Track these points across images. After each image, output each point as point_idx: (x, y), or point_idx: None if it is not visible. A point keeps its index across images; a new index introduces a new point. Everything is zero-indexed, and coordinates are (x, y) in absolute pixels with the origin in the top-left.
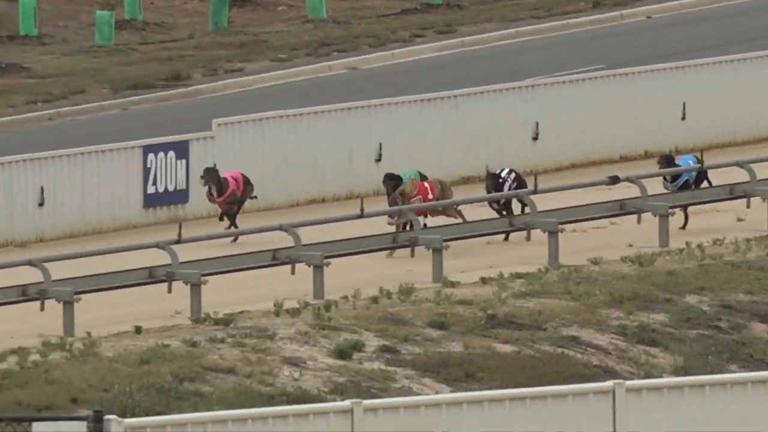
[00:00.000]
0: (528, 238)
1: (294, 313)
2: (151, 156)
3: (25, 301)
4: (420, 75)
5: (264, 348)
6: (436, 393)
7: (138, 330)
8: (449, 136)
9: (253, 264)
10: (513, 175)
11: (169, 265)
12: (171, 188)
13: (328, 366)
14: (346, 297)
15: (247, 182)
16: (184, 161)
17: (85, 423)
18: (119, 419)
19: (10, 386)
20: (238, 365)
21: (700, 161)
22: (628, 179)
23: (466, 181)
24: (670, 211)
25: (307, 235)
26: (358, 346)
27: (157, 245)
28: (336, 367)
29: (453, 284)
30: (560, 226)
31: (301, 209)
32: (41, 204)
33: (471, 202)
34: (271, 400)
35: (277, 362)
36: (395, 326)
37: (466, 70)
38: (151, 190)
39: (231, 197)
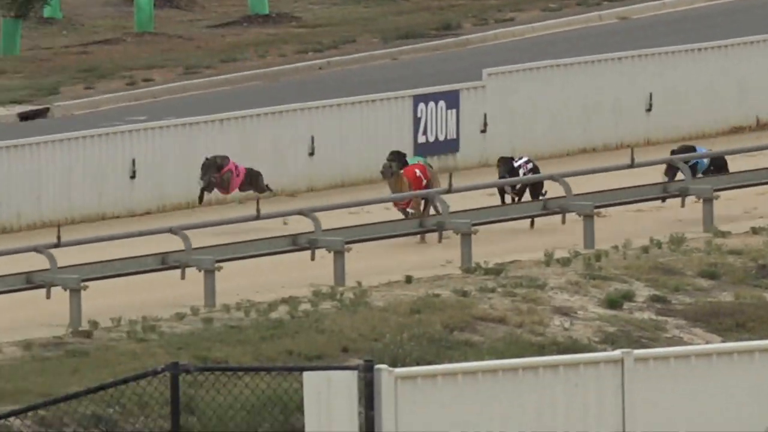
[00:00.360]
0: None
1: (564, 262)
2: (421, 106)
3: (296, 250)
4: (690, 24)
5: (534, 297)
6: (707, 343)
7: (408, 280)
8: (719, 85)
9: (522, 214)
10: (531, 165)
11: (438, 214)
12: (441, 138)
13: (598, 316)
14: (616, 247)
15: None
16: (454, 111)
17: (355, 372)
18: (389, 369)
19: (281, 336)
20: (509, 315)
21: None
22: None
23: (736, 131)
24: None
25: (577, 185)
26: (628, 296)
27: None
28: (606, 316)
29: (723, 234)
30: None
31: (572, 159)
32: (311, 154)
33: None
34: (541, 350)
35: (547, 312)
36: (665, 276)
37: (738, 18)
38: (421, 139)
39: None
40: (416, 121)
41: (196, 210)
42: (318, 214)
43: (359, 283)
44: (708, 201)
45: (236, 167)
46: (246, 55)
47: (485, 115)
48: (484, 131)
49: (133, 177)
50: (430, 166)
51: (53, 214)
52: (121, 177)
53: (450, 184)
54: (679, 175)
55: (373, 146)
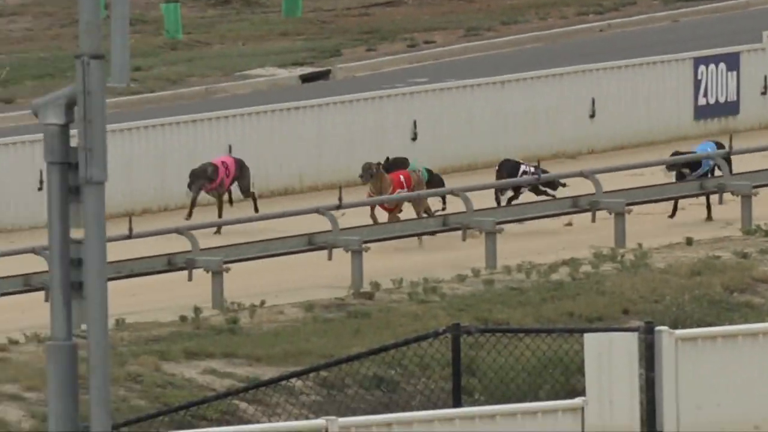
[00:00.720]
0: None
1: None
2: (701, 68)
3: (579, 212)
4: None
5: None
6: None
7: (689, 242)
8: None
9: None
10: (531, 169)
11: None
12: (722, 100)
13: None
14: None
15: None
16: (734, 73)
17: (636, 334)
18: (670, 330)
19: (562, 297)
20: None
21: (720, 147)
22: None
23: None
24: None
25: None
26: None
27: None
28: None
29: None
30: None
31: None
32: (592, 116)
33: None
34: None
35: None
36: None
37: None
38: (701, 102)
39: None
40: (696, 83)
41: (476, 172)
42: (599, 177)
43: (640, 245)
44: (747, 198)
45: (225, 166)
46: (527, 17)
47: (766, 78)
48: (764, 93)
49: (414, 139)
50: (429, 172)
51: (334, 176)
52: (402, 137)
53: (730, 146)
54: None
55: (654, 108)
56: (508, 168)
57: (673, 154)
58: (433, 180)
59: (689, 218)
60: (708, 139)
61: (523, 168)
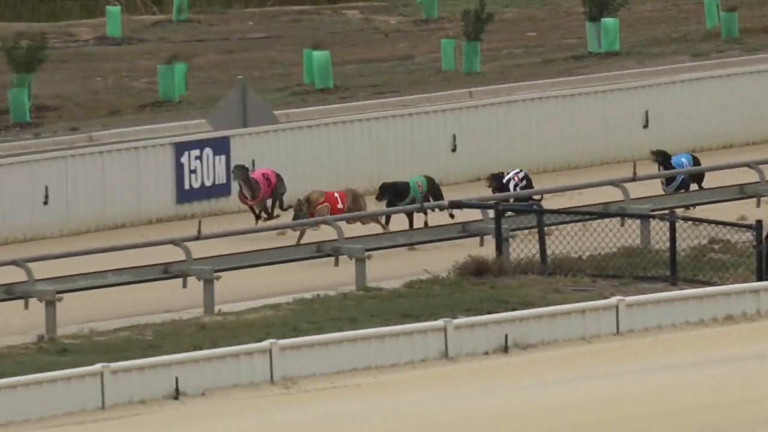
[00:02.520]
0: None
1: None
2: None
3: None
4: None
5: None
6: None
7: None
8: None
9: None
10: (522, 174)
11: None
12: None
13: None
14: None
15: (279, 179)
16: None
17: None
18: None
19: None
20: None
21: (696, 161)
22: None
23: None
24: None
25: None
26: None
27: None
28: None
29: None
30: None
31: None
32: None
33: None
34: None
35: None
36: None
37: None
38: None
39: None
40: None
41: None
42: None
43: None
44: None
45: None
46: None
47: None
48: None
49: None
50: (431, 180)
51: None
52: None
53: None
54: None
55: None
56: (496, 180)
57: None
58: (434, 189)
59: None
60: (683, 152)
61: (508, 176)
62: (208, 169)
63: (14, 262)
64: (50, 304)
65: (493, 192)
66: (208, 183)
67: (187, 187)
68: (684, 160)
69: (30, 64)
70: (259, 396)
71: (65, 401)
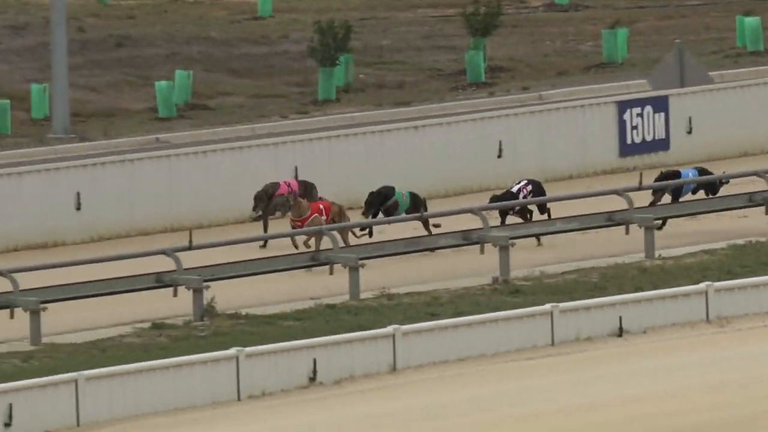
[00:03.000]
0: None
1: None
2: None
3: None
4: None
5: None
6: None
7: None
8: None
9: None
10: (530, 187)
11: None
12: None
13: None
14: None
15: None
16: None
17: None
18: None
19: None
20: None
21: (702, 173)
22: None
23: None
24: None
25: None
26: None
27: None
28: None
29: None
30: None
31: None
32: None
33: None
34: None
35: None
36: None
37: None
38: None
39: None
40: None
41: None
42: None
43: None
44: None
45: (288, 185)
46: None
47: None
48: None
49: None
50: (414, 196)
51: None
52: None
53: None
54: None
55: None
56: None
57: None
58: (416, 203)
59: None
60: (693, 166)
61: (518, 187)
62: (649, 125)
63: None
64: (504, 250)
65: (499, 200)
66: (648, 138)
67: (629, 141)
68: (690, 173)
69: (485, 29)
70: (696, 335)
71: (517, 338)
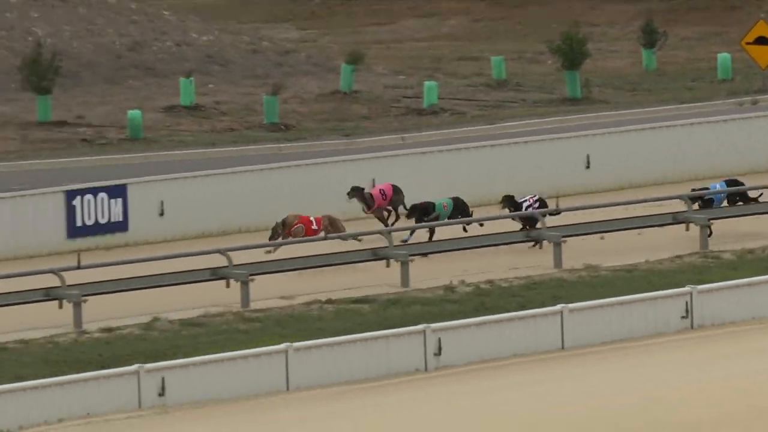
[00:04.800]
0: None
1: None
2: None
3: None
4: None
5: None
6: None
7: None
8: None
9: None
10: (536, 197)
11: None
12: None
13: None
14: None
15: (396, 191)
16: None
17: None
18: None
19: None
20: None
21: (732, 184)
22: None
23: None
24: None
25: None
26: None
27: None
28: None
29: None
30: None
31: None
32: None
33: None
34: None
35: None
36: None
37: None
38: None
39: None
40: None
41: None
42: None
43: None
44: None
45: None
46: None
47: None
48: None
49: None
50: (456, 200)
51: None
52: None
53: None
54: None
55: None
56: (511, 201)
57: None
58: (458, 206)
59: None
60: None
61: (522, 199)
62: None
63: None
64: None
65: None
66: None
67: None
68: (718, 185)
69: None
70: None
71: None
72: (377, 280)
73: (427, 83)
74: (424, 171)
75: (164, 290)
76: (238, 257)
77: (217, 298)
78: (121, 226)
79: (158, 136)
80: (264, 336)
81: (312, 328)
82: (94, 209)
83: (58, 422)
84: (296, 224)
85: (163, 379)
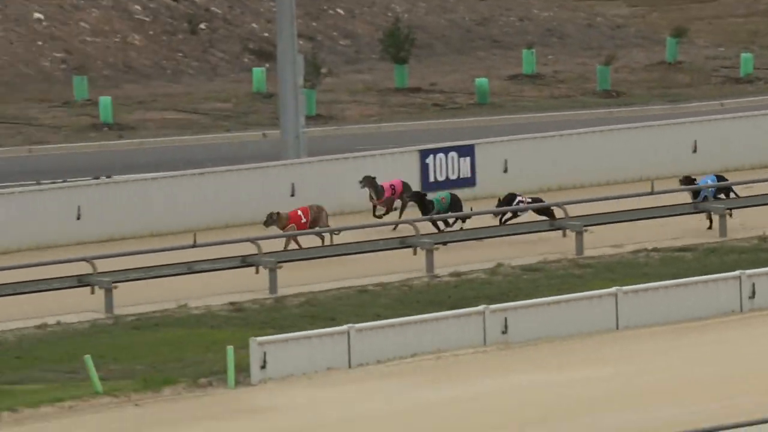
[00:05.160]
0: None
1: None
2: None
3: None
4: None
5: None
6: None
7: None
8: None
9: None
10: (528, 199)
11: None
12: None
13: None
14: None
15: (405, 187)
16: None
17: None
18: None
19: None
20: None
21: (720, 179)
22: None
23: None
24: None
25: None
26: None
27: None
28: None
29: None
30: None
31: None
32: None
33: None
34: None
35: None
36: None
37: None
38: None
39: (387, 201)
40: None
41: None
42: None
43: None
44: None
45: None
46: None
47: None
48: None
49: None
50: (453, 196)
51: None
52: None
53: None
54: None
55: None
56: (507, 198)
57: (684, 181)
58: (454, 203)
59: None
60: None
61: (518, 198)
62: None
63: None
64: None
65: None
66: None
67: None
68: (710, 180)
69: None
70: None
71: None
72: (696, 232)
73: (743, 55)
74: (740, 133)
75: (505, 239)
76: (573, 210)
77: (555, 247)
78: (469, 181)
79: (503, 101)
80: (596, 280)
81: (639, 273)
82: (445, 166)
83: (411, 357)
84: (288, 224)
85: (505, 319)
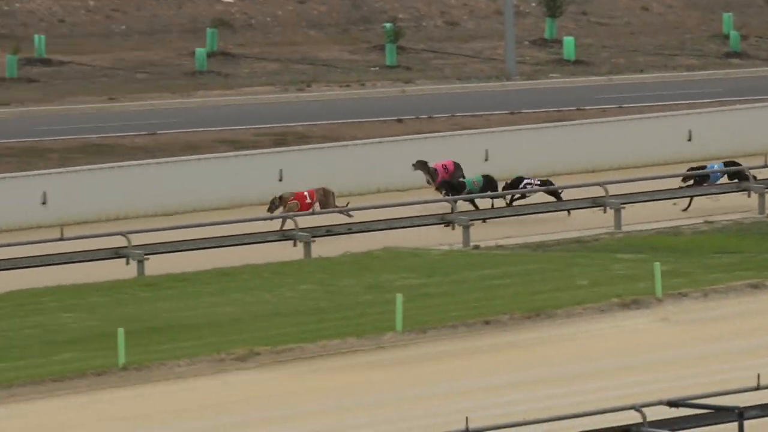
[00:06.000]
0: None
1: None
2: None
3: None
4: None
5: None
6: None
7: None
8: None
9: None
10: (538, 181)
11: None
12: None
13: None
14: None
15: (457, 167)
16: None
17: None
18: None
19: None
20: None
21: (730, 164)
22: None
23: None
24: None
25: None
26: None
27: None
28: None
29: None
30: None
31: None
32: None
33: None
34: None
35: None
36: None
37: None
38: None
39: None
40: None
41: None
42: None
43: None
44: None
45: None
46: None
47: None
48: None
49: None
50: (486, 177)
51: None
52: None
53: None
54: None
55: None
56: (514, 181)
57: (690, 170)
58: (490, 183)
59: None
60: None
61: (526, 181)
62: None
63: None
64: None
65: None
66: None
67: None
68: (716, 166)
69: None
70: None
71: None
72: None
73: None
74: None
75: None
76: None
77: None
78: None
79: None
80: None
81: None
82: None
83: None
84: (291, 200)
85: None
